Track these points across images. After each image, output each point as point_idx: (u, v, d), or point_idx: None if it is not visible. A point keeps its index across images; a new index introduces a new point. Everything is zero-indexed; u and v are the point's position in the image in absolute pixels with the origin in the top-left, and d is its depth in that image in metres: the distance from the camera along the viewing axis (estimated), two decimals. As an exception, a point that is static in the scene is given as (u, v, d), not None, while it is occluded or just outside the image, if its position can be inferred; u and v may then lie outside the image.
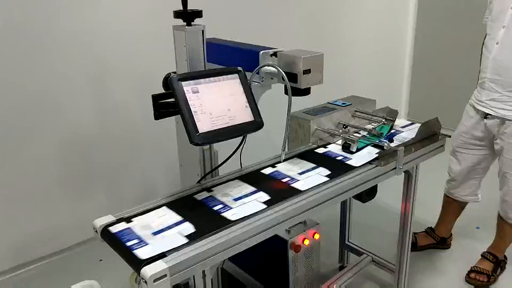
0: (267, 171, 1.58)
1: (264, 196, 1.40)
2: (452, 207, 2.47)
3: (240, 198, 1.38)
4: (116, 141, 2.59)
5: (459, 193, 2.37)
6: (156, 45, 2.47)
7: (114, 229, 1.23)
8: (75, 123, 2.42)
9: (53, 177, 2.42)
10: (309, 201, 1.37)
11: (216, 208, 1.32)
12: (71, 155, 2.45)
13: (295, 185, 1.47)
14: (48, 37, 2.24)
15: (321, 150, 1.73)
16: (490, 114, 2.07)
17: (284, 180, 1.50)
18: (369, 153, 1.67)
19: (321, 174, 1.53)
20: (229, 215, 1.29)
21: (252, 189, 1.44)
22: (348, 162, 1.61)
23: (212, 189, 1.45)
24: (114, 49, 2.45)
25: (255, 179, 1.52)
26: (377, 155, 1.62)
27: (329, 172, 1.55)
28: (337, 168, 1.58)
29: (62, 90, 2.34)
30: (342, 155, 1.67)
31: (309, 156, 1.69)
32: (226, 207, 1.33)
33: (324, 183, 1.47)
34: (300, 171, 1.55)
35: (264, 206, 1.33)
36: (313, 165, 1.60)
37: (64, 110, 2.37)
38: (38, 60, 2.23)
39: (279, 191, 1.43)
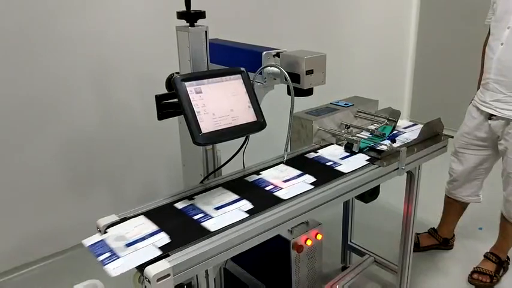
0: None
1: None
2: (453, 207, 2.46)
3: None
4: (119, 142, 2.59)
5: (461, 194, 2.37)
6: (159, 46, 2.47)
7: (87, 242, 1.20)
8: (78, 123, 2.42)
9: (56, 177, 2.43)
10: (311, 201, 1.37)
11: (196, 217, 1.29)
12: (74, 155, 2.45)
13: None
14: (52, 38, 2.25)
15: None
16: (495, 115, 2.07)
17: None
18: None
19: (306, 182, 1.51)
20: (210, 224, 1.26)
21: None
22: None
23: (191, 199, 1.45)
24: (117, 50, 2.46)
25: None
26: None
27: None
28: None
29: (65, 91, 2.34)
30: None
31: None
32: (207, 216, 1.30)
33: (326, 183, 1.48)
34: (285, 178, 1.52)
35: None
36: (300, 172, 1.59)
37: (67, 110, 2.37)
38: (41, 60, 2.24)
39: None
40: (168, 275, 1.05)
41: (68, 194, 2.49)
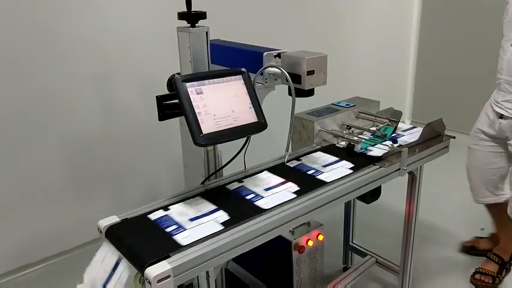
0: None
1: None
2: (493, 211, 2.36)
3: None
4: (120, 143, 2.59)
5: (482, 198, 2.28)
6: (160, 47, 2.48)
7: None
8: (80, 124, 2.43)
9: (58, 178, 2.43)
10: (312, 202, 1.37)
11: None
12: (75, 156, 2.46)
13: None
14: (54, 40, 2.25)
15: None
16: (505, 115, 2.06)
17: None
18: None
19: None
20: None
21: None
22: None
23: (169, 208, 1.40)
24: (119, 51, 2.46)
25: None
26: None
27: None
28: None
29: (67, 92, 2.35)
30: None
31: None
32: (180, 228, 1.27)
33: (328, 183, 1.48)
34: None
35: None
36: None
37: (69, 111, 2.38)
38: (43, 62, 2.25)
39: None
40: (169, 276, 1.05)
41: (70, 194, 2.50)
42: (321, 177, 1.53)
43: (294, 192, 1.42)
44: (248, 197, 1.41)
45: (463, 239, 2.61)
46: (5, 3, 2.08)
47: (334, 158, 1.67)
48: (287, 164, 1.65)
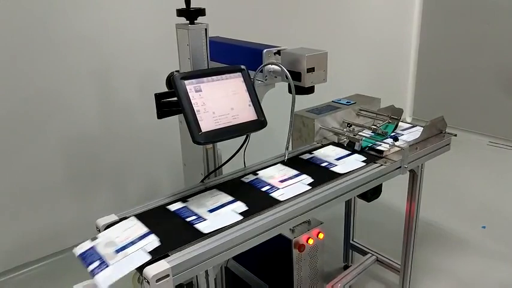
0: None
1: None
2: None
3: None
4: (119, 141, 2.58)
5: None
6: (160, 44, 2.46)
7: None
8: (79, 122, 2.42)
9: (57, 176, 2.42)
10: (312, 200, 1.36)
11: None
12: (75, 154, 2.45)
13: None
14: (54, 38, 2.24)
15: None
16: None
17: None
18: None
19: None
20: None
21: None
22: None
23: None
24: (118, 48, 2.45)
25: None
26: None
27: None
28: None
29: (67, 89, 2.34)
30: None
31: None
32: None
33: (328, 182, 1.47)
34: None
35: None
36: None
37: (69, 109, 2.37)
38: (43, 60, 2.23)
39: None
40: (168, 275, 1.04)
41: (69, 193, 2.49)
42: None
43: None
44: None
45: (464, 237, 2.60)
46: (4, 2, 2.07)
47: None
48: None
